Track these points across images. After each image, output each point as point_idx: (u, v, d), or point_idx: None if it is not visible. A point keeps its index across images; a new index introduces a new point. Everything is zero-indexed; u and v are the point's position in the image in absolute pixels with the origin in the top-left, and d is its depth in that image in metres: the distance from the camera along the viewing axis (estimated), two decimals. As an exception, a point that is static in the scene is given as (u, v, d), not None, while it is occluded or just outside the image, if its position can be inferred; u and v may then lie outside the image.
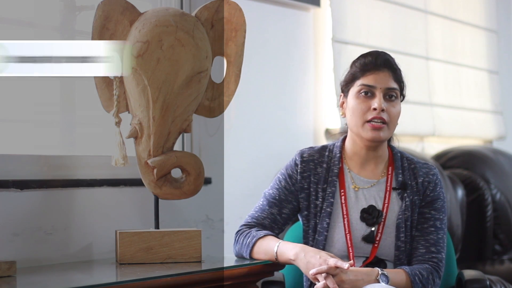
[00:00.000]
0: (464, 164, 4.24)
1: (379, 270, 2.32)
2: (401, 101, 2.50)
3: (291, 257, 2.34)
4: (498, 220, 4.14)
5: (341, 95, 2.51)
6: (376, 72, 2.43)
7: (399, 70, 2.49)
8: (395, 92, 2.44)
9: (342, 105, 2.51)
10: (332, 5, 3.76)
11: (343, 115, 2.50)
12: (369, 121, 2.41)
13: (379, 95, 2.41)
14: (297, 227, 2.67)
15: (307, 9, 3.69)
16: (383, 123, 2.41)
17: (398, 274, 2.35)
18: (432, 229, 2.45)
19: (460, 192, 3.99)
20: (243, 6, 2.58)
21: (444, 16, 4.65)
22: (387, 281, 2.29)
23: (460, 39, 4.77)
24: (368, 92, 2.42)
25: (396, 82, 2.45)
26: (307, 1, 3.64)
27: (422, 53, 4.44)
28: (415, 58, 4.37)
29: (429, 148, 4.53)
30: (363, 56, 2.48)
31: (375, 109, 2.40)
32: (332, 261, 2.24)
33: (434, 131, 4.46)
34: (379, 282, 2.29)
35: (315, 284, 2.30)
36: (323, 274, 2.24)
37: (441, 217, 2.47)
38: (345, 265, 2.22)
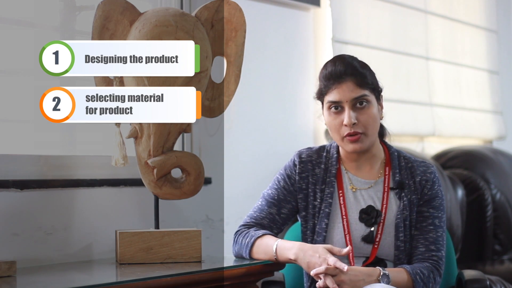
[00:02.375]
0: (464, 164, 4.24)
1: (381, 270, 2.31)
2: (380, 94, 2.46)
3: (291, 257, 2.34)
4: (498, 220, 4.14)
5: (322, 104, 2.50)
6: (338, 86, 2.40)
7: (365, 70, 2.42)
8: (365, 99, 2.40)
9: (323, 113, 2.49)
10: (332, 5, 3.76)
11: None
12: (345, 136, 2.40)
13: (347, 109, 2.39)
14: (297, 227, 2.67)
15: (307, 9, 3.69)
16: (358, 134, 2.40)
17: (400, 273, 2.35)
18: (431, 227, 2.45)
19: (460, 192, 3.99)
20: (243, 6, 2.58)
21: (444, 16, 4.65)
22: (388, 281, 2.30)
23: (460, 39, 4.77)
24: (338, 107, 2.41)
25: (363, 87, 2.40)
26: (307, 1, 3.64)
27: (422, 53, 4.44)
28: (415, 58, 4.37)
29: (429, 148, 4.53)
30: (325, 66, 2.45)
31: (346, 125, 2.39)
32: (331, 261, 2.24)
33: (434, 131, 4.46)
34: (379, 282, 2.29)
35: (315, 284, 2.31)
36: (321, 275, 2.24)
37: (440, 215, 2.47)
38: (345, 267, 2.22)
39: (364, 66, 2.45)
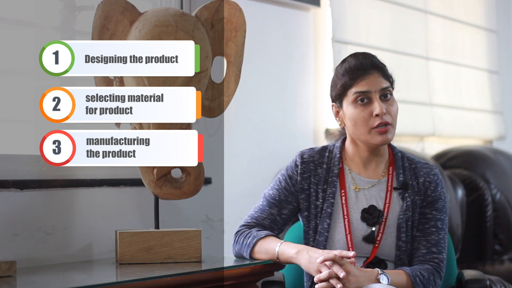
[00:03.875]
0: (464, 164, 4.24)
1: (379, 270, 2.31)
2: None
3: (293, 254, 2.34)
4: (498, 220, 4.14)
5: (333, 105, 2.49)
6: (367, 76, 2.40)
7: (385, 66, 2.47)
8: (389, 91, 2.43)
9: (337, 114, 2.49)
10: (332, 5, 3.76)
11: (342, 124, 2.48)
12: (375, 127, 2.40)
13: (376, 99, 2.40)
14: (297, 227, 2.67)
15: (307, 9, 3.69)
16: (388, 124, 2.40)
17: (399, 275, 2.35)
18: (433, 229, 2.45)
19: (460, 192, 3.98)
20: (243, 6, 2.58)
21: (444, 16, 4.65)
22: (388, 281, 2.29)
23: (460, 39, 4.77)
24: (365, 99, 2.40)
25: (387, 80, 2.44)
26: (307, 1, 3.64)
27: (422, 53, 4.44)
28: (415, 58, 4.37)
29: (429, 148, 4.53)
30: (345, 61, 2.45)
31: (377, 115, 2.39)
32: (337, 252, 2.25)
33: (434, 131, 4.46)
34: (379, 281, 2.29)
35: (316, 284, 2.31)
36: (328, 263, 2.23)
37: (442, 217, 2.47)
38: (350, 253, 2.23)
39: (383, 64, 2.47)
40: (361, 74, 2.40)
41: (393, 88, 2.48)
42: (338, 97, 2.45)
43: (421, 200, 2.46)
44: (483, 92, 4.94)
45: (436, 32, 4.57)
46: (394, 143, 2.61)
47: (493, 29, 5.05)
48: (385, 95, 2.42)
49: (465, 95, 4.78)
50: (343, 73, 2.43)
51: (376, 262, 2.41)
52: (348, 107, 2.43)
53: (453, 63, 4.70)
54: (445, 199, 2.49)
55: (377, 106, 2.39)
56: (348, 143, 2.51)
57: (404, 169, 2.49)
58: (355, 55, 2.45)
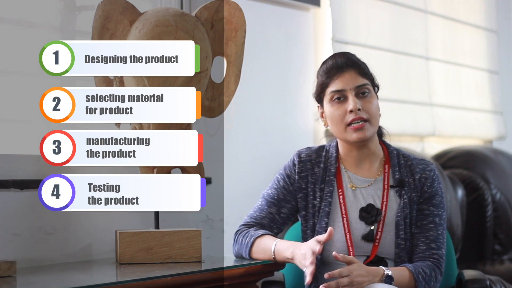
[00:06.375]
0: (464, 164, 4.24)
1: (384, 270, 2.31)
2: (377, 92, 2.49)
3: (289, 256, 2.34)
4: (498, 220, 4.14)
5: (318, 106, 2.51)
6: (341, 75, 2.43)
7: (363, 64, 2.48)
8: (367, 88, 2.44)
9: (322, 115, 2.51)
10: (332, 5, 3.76)
11: (326, 125, 2.50)
12: (349, 124, 2.41)
13: (351, 96, 2.41)
14: (297, 227, 2.67)
15: (307, 9, 3.69)
16: (364, 121, 2.41)
17: (402, 272, 2.35)
18: (432, 225, 2.45)
19: (460, 192, 3.99)
20: (243, 6, 2.58)
21: (444, 16, 4.65)
22: (391, 282, 2.29)
23: (460, 39, 4.78)
24: (341, 97, 2.42)
25: (364, 77, 2.44)
26: (307, 1, 3.64)
27: (422, 53, 4.44)
28: (415, 58, 4.37)
29: (429, 148, 4.53)
30: (324, 62, 2.49)
31: (351, 111, 2.40)
32: (313, 241, 2.25)
33: (434, 131, 4.47)
34: (382, 282, 2.29)
35: (315, 284, 2.31)
36: (311, 259, 2.23)
37: (440, 213, 2.47)
38: (316, 248, 2.22)
39: (362, 61, 2.49)
40: (336, 72, 2.43)
41: (375, 86, 2.48)
42: (318, 97, 2.49)
43: (418, 197, 2.47)
44: (483, 92, 4.94)
45: (436, 32, 4.57)
46: (394, 143, 2.61)
47: (493, 29, 5.06)
48: (363, 92, 2.43)
49: (465, 95, 4.78)
50: (322, 73, 2.47)
51: (376, 261, 2.41)
52: (326, 106, 2.46)
53: (453, 63, 4.71)
54: (442, 195, 2.49)
55: (350, 103, 2.40)
56: (339, 143, 2.52)
57: (400, 166, 2.50)
58: (333, 56, 2.49)
